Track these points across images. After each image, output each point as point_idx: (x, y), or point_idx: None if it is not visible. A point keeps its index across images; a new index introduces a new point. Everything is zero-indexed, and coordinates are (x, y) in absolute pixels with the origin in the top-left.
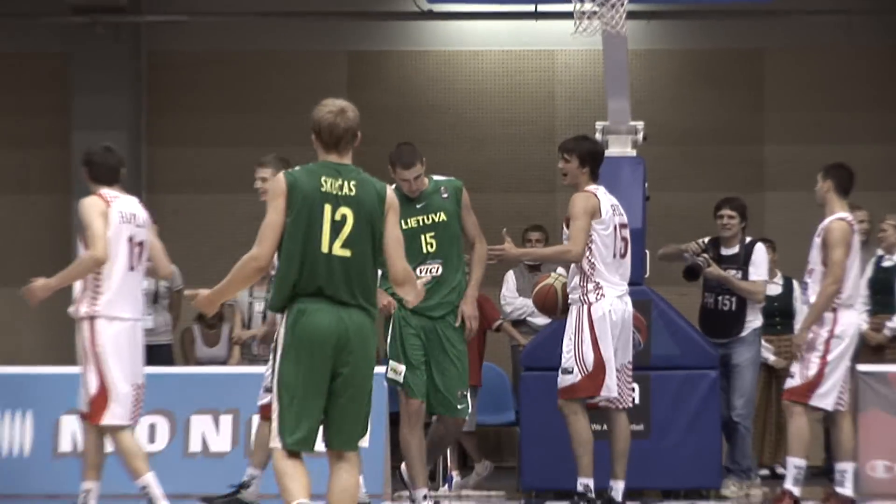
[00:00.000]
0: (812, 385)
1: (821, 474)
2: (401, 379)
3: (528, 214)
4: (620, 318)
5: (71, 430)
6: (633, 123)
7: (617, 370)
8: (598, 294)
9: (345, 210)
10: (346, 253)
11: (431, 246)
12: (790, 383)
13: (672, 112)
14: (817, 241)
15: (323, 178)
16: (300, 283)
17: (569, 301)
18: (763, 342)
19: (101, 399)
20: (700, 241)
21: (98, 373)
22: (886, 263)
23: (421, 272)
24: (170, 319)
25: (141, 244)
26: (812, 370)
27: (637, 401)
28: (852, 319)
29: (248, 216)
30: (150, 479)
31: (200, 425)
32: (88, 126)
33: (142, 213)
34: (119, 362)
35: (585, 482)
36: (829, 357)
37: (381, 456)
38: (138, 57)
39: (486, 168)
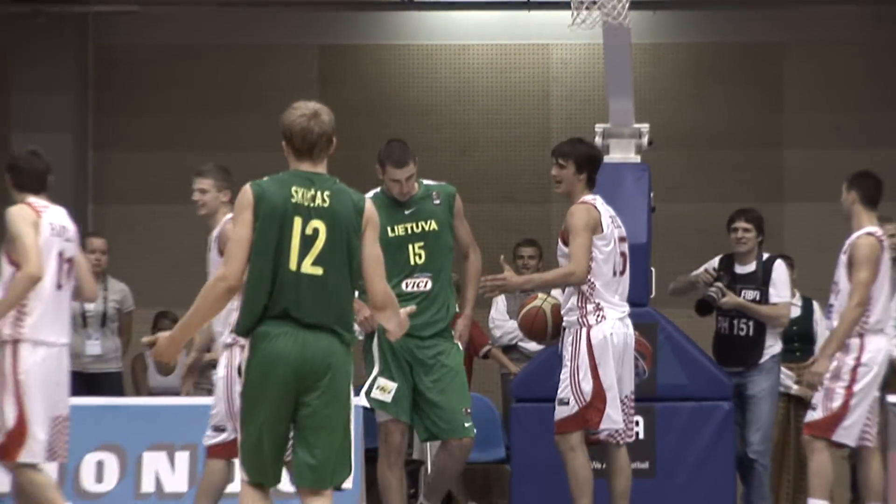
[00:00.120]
0: (836, 418)
1: None
2: (389, 399)
3: (520, 227)
4: (622, 342)
5: None
6: (636, 126)
7: (620, 401)
8: (598, 316)
9: (317, 223)
10: (318, 271)
11: (420, 257)
12: (812, 416)
13: (680, 113)
14: (843, 258)
15: (293, 189)
16: (270, 304)
17: (563, 324)
18: (783, 369)
19: (17, 434)
20: (710, 267)
21: (17, 404)
22: None
23: (407, 286)
24: (119, 344)
25: (70, 260)
26: (836, 402)
27: (641, 435)
28: (881, 346)
29: (208, 229)
30: None
31: (154, 463)
32: (29, 128)
33: (71, 226)
34: (42, 392)
35: None
36: (856, 387)
37: (356, 497)
38: (85, 51)
39: (472, 175)
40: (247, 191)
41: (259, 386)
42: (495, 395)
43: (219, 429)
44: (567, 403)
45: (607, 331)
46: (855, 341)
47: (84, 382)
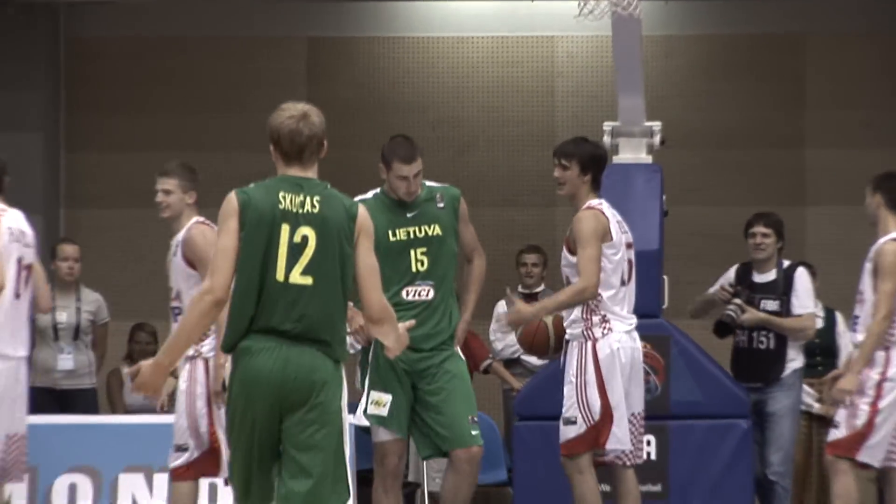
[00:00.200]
0: (860, 436)
1: None
2: (385, 412)
3: (523, 233)
4: (630, 356)
5: None
6: (648, 124)
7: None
8: (604, 328)
9: (305, 230)
10: (307, 281)
11: (422, 264)
12: (834, 435)
13: (695, 110)
14: (868, 266)
15: (281, 195)
16: (256, 317)
17: (567, 337)
18: (804, 386)
19: None
20: (727, 282)
21: None
22: None
23: (408, 295)
24: (93, 359)
25: (29, 268)
26: (861, 419)
27: (653, 456)
28: None
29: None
30: None
31: (130, 485)
32: None
33: (30, 231)
34: None
35: None
36: (881, 403)
37: None
38: (57, 44)
39: (472, 177)
40: (231, 198)
41: (242, 406)
42: (497, 413)
43: (181, 448)
44: (574, 422)
45: (614, 344)
46: (880, 354)
47: (55, 399)
